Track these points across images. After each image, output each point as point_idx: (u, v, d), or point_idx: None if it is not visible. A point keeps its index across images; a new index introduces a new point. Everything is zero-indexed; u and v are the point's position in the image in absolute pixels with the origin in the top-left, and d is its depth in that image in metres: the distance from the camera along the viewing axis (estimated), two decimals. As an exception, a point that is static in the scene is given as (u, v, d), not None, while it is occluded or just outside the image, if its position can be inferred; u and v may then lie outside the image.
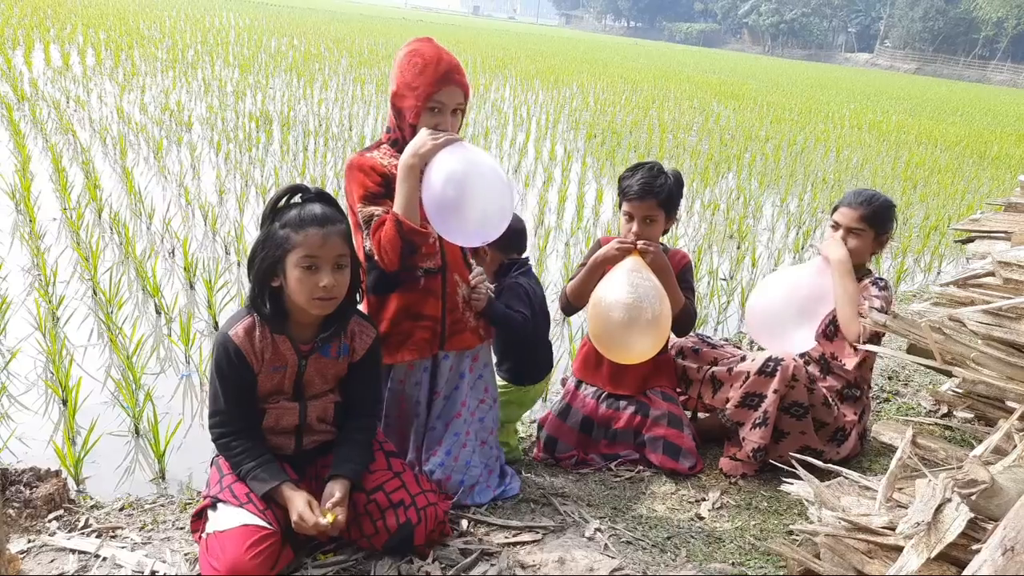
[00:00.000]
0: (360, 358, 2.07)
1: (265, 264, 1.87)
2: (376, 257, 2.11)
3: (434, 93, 2.08)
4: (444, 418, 2.32)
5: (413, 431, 2.35)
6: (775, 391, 2.55)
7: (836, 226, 2.75)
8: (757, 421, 2.59)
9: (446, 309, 2.25)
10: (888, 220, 2.74)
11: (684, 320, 2.63)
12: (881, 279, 2.74)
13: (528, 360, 2.66)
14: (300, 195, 1.92)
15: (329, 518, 1.85)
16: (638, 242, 2.49)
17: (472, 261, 2.40)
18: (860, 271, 2.77)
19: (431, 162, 2.01)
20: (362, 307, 2.31)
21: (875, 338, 2.63)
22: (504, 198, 2.07)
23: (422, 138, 2.03)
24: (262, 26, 24.34)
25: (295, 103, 10.05)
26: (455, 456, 2.31)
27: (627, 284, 2.37)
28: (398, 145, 2.18)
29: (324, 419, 2.08)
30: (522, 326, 2.42)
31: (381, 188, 2.12)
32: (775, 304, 2.66)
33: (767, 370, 2.56)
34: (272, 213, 1.89)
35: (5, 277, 3.86)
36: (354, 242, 2.23)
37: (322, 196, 1.93)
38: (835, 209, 2.80)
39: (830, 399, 2.67)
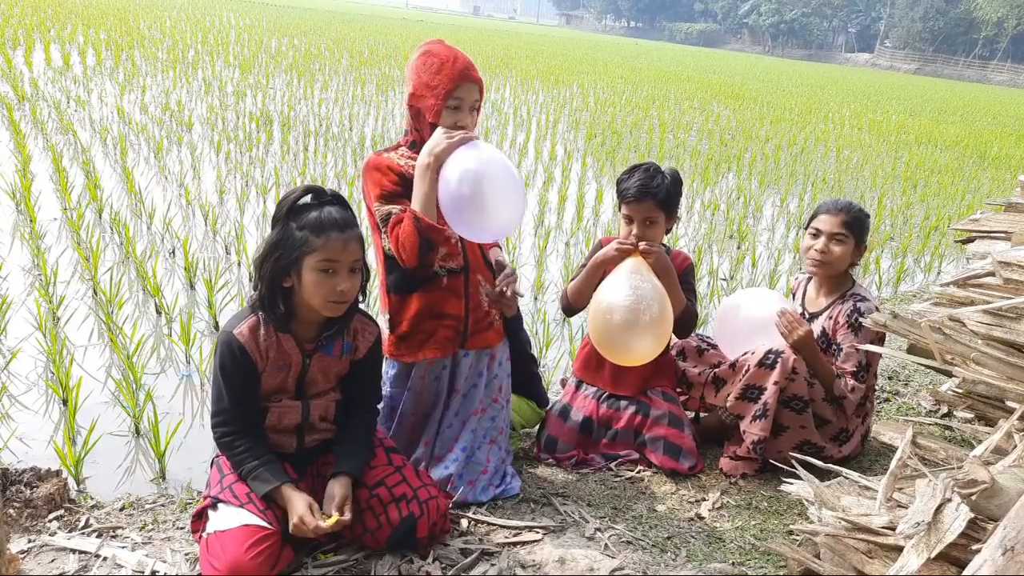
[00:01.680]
0: (362, 356, 2.08)
1: (280, 265, 1.87)
2: (395, 254, 2.13)
3: (453, 91, 2.12)
4: (462, 416, 2.34)
5: (426, 428, 2.36)
6: (775, 383, 2.55)
7: (817, 233, 2.70)
8: (757, 413, 2.59)
9: (469, 308, 2.27)
10: (865, 230, 2.73)
11: (686, 321, 2.63)
12: (857, 310, 2.64)
13: (536, 383, 2.89)
14: (313, 196, 1.92)
15: (330, 521, 1.86)
16: (640, 243, 2.49)
17: (495, 263, 2.42)
18: (844, 282, 2.75)
19: (447, 160, 2.04)
20: (383, 306, 2.32)
21: (877, 339, 2.63)
22: (517, 196, 2.10)
23: (438, 137, 2.07)
24: (262, 26, 24.34)
25: (295, 103, 10.06)
26: (468, 452, 2.33)
27: (627, 286, 2.36)
28: (416, 147, 2.21)
29: (326, 418, 2.08)
30: (526, 341, 2.71)
31: (398, 187, 2.15)
32: (741, 321, 2.70)
33: (767, 362, 2.56)
34: (287, 214, 1.88)
35: (6, 277, 3.87)
36: (373, 242, 2.25)
37: (338, 199, 1.95)
38: (812, 219, 2.76)
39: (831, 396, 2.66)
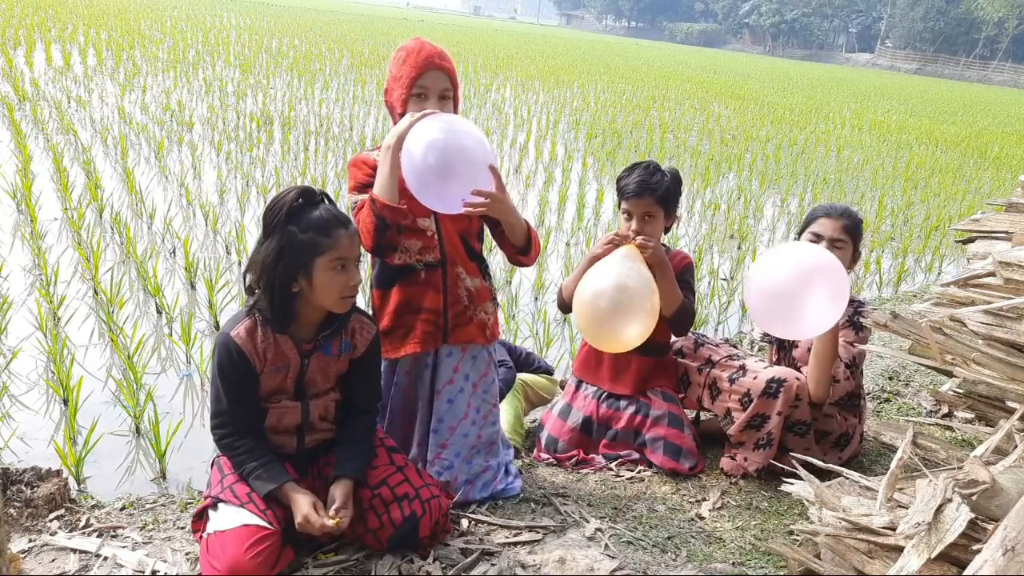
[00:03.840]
0: (361, 354, 2.08)
1: (290, 270, 1.86)
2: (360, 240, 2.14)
3: (417, 78, 2.12)
4: (448, 421, 2.32)
5: (416, 427, 2.35)
6: (779, 413, 2.53)
7: (816, 238, 2.63)
8: (761, 442, 2.58)
9: (447, 302, 2.26)
10: (861, 235, 2.70)
11: (682, 319, 2.62)
12: (859, 312, 2.61)
13: (533, 358, 3.16)
14: (304, 198, 1.91)
15: (333, 521, 1.86)
16: (637, 238, 2.49)
17: (477, 249, 2.38)
18: None
19: (408, 135, 2.01)
20: (367, 300, 2.33)
21: (864, 341, 2.62)
22: (482, 155, 2.03)
23: (402, 120, 2.07)
24: (263, 26, 24.35)
25: (296, 103, 10.06)
26: (464, 457, 2.32)
27: (611, 272, 2.35)
28: None
29: (326, 417, 2.08)
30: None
31: (371, 178, 2.16)
32: (781, 281, 2.29)
33: (771, 391, 2.54)
34: (287, 219, 1.87)
35: (6, 277, 3.87)
36: None
37: (328, 198, 1.96)
38: (809, 222, 2.69)
39: (835, 412, 2.65)
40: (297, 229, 1.86)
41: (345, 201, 5.66)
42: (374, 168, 2.16)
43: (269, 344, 1.93)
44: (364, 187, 2.16)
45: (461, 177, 2.01)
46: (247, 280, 1.94)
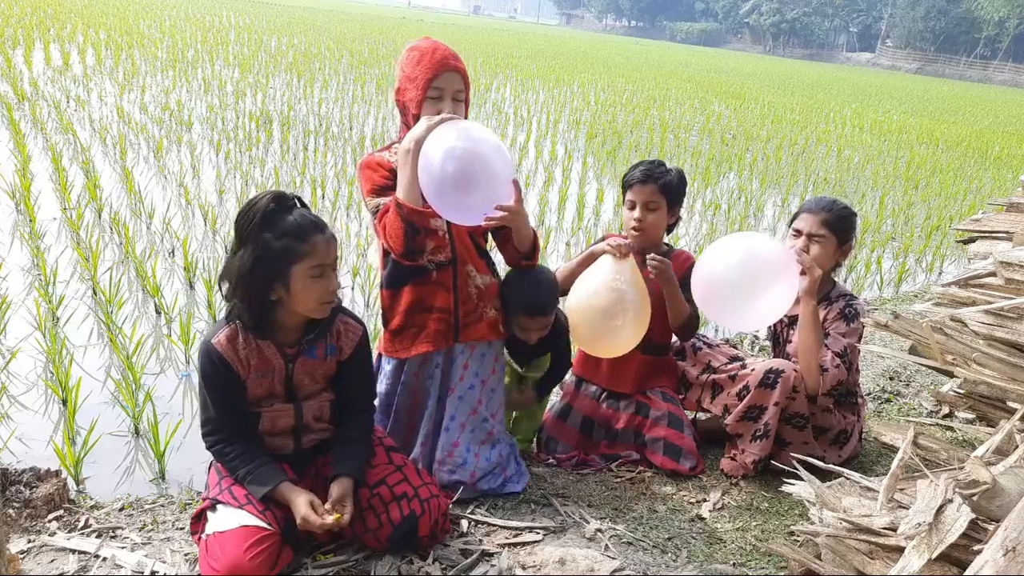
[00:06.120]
0: (349, 356, 2.06)
1: (267, 278, 1.83)
2: (385, 244, 2.14)
3: (432, 79, 2.12)
4: (460, 418, 2.32)
5: (421, 427, 2.35)
6: (776, 403, 2.53)
7: (797, 234, 2.64)
8: (758, 433, 2.58)
9: (458, 301, 2.27)
10: (850, 228, 2.66)
11: (688, 327, 2.64)
12: (851, 306, 2.62)
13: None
14: (276, 202, 1.85)
15: (334, 517, 1.86)
16: (648, 260, 2.46)
17: (484, 247, 2.37)
18: (824, 285, 2.66)
19: (426, 142, 1.99)
20: (378, 300, 2.32)
21: (858, 339, 2.61)
22: (502, 167, 2.02)
23: (419, 123, 2.06)
24: (262, 25, 24.35)
25: (295, 102, 10.05)
26: (476, 453, 2.33)
27: (604, 280, 2.36)
28: None
29: (321, 418, 2.08)
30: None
31: (389, 181, 2.16)
32: (728, 272, 2.35)
33: (768, 382, 2.54)
34: (260, 225, 1.82)
35: (5, 277, 3.86)
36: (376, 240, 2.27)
37: (301, 201, 1.92)
38: (795, 217, 2.71)
39: (830, 405, 2.65)
40: (272, 236, 1.81)
41: (344, 200, 5.64)
42: (390, 170, 2.15)
43: (252, 350, 1.91)
44: (383, 190, 2.15)
45: (482, 190, 2.00)
46: (223, 289, 1.89)
